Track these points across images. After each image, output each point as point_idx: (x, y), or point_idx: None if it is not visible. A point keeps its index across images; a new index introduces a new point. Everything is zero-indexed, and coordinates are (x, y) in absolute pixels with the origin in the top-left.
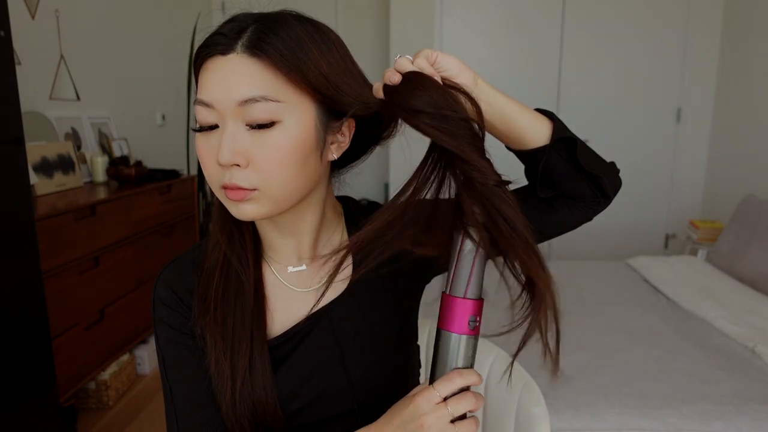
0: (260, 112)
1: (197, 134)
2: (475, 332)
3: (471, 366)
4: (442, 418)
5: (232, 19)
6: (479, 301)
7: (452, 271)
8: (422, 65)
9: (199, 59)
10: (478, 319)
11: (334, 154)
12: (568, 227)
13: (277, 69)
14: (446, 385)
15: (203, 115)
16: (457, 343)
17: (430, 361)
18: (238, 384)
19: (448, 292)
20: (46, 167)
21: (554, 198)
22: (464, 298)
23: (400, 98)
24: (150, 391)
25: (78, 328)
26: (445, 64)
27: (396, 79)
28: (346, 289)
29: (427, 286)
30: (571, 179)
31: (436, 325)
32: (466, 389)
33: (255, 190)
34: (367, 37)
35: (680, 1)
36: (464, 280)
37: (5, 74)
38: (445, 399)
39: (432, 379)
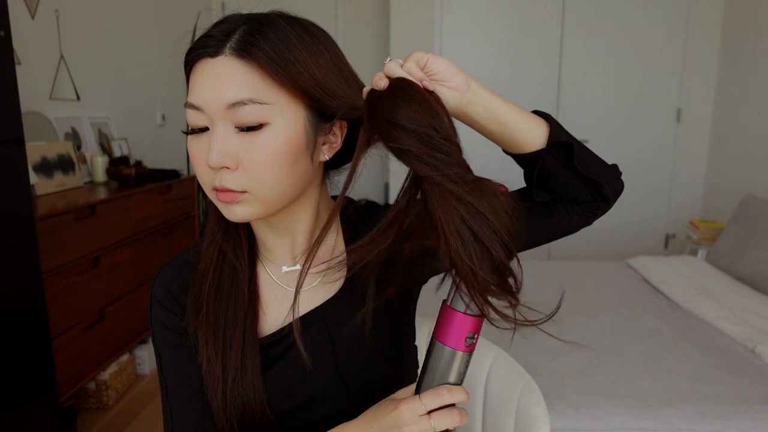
0: (248, 115)
1: (189, 137)
2: (470, 349)
3: (461, 383)
4: None
5: (222, 21)
6: (480, 318)
7: (456, 283)
8: (412, 70)
9: (189, 61)
10: (475, 336)
11: (325, 155)
12: (567, 231)
13: (265, 71)
14: (433, 399)
15: (193, 118)
16: (451, 358)
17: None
18: (229, 383)
19: (449, 304)
20: (46, 167)
21: (552, 202)
22: (464, 313)
23: (382, 106)
24: (150, 391)
25: (78, 328)
26: (436, 68)
27: (383, 84)
28: (340, 290)
29: (424, 286)
30: (569, 184)
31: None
32: (451, 405)
33: (245, 192)
34: (367, 38)
35: (680, 1)
36: (467, 294)
37: (5, 74)
38: (429, 412)
39: (419, 388)
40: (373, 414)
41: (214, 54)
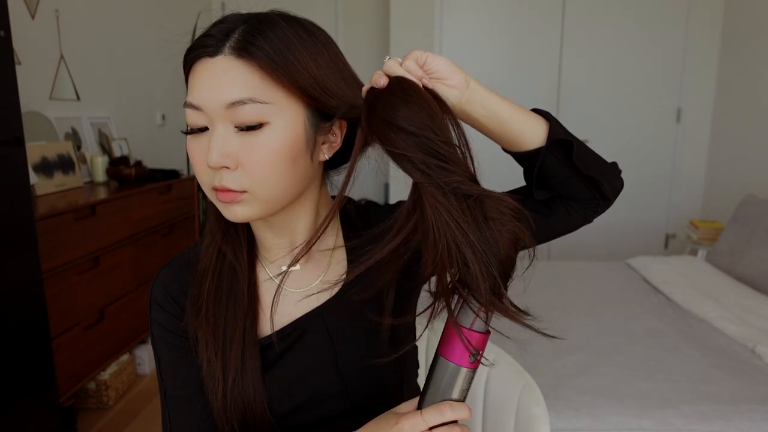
0: (248, 114)
1: (187, 136)
2: (474, 366)
3: (464, 399)
4: None
5: (222, 21)
6: (485, 334)
7: (460, 299)
8: (411, 68)
9: (188, 61)
10: (480, 353)
11: (325, 154)
12: (567, 230)
13: (265, 71)
14: (435, 416)
15: (192, 118)
16: (454, 374)
17: (429, 360)
18: (230, 384)
19: (453, 320)
20: (46, 167)
21: (552, 200)
22: (470, 329)
23: (380, 106)
24: (150, 391)
25: (78, 328)
26: (435, 66)
27: (382, 82)
28: (340, 290)
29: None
30: (569, 182)
31: (434, 326)
32: (453, 421)
33: (245, 192)
34: (366, 38)
35: (680, 1)
36: (473, 310)
37: (5, 74)
38: (431, 428)
39: (421, 403)
40: (374, 427)
41: (213, 54)
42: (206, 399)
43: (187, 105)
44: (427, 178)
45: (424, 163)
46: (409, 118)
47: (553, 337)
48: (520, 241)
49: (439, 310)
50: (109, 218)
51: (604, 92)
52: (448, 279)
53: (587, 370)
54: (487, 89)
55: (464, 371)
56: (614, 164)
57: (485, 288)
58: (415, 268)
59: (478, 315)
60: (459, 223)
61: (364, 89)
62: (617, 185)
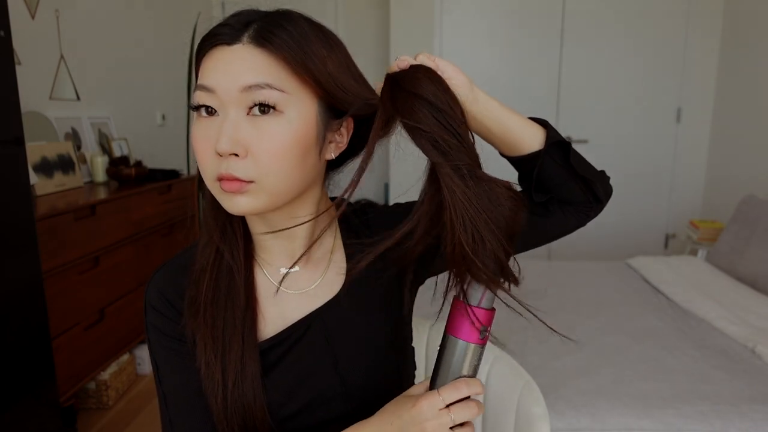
0: (264, 97)
1: (195, 123)
2: (483, 341)
3: (475, 375)
4: (444, 425)
5: (238, 14)
6: (492, 311)
7: (468, 278)
8: (425, 61)
9: (202, 49)
10: (488, 329)
11: (332, 153)
12: (563, 232)
13: (284, 60)
14: (452, 393)
15: (202, 99)
16: (465, 351)
17: (429, 361)
18: (230, 387)
19: (461, 299)
20: (46, 167)
21: (550, 202)
22: (478, 307)
23: (407, 79)
24: (150, 391)
25: (78, 328)
26: (442, 67)
27: (406, 64)
28: (339, 291)
29: (421, 287)
30: (565, 184)
31: (435, 326)
32: (467, 397)
33: (252, 182)
34: (367, 38)
35: (680, 1)
36: (480, 289)
37: (5, 74)
38: (448, 405)
39: (433, 383)
40: (392, 410)
41: (231, 42)
42: (206, 404)
43: (199, 87)
44: (445, 158)
45: (444, 140)
46: (434, 93)
47: (539, 316)
48: (520, 214)
49: (452, 286)
50: (109, 218)
51: (604, 92)
52: (464, 258)
53: (587, 370)
54: (488, 95)
55: (474, 347)
56: (603, 172)
57: (506, 263)
58: (421, 270)
59: (485, 292)
60: (474, 203)
61: (378, 84)
62: (608, 189)
